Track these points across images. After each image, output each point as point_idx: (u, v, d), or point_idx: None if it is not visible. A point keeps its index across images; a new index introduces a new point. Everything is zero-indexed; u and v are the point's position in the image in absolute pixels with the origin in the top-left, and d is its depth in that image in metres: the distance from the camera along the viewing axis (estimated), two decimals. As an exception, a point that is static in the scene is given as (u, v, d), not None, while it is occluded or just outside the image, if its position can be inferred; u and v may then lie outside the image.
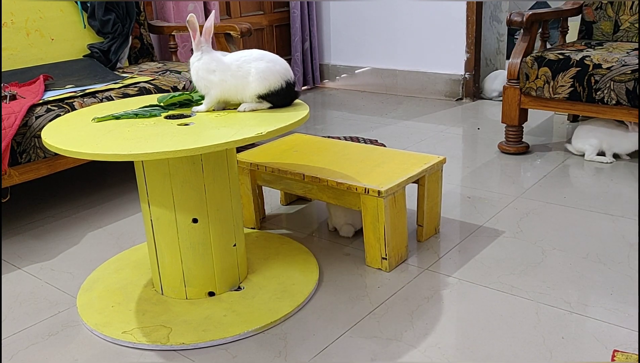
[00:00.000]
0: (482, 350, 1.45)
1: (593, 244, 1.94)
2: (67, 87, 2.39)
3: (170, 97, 1.72)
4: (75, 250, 2.08)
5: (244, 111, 1.65)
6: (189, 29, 1.63)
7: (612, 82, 2.44)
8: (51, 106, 2.18)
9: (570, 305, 1.61)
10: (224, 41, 2.86)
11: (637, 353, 1.40)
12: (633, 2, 2.84)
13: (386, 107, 3.91)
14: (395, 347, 1.48)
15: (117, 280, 1.82)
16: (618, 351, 1.40)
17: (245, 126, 1.51)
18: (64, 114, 2.03)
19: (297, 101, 1.73)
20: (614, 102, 2.47)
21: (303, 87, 4.46)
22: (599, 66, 2.48)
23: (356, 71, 4.43)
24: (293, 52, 4.29)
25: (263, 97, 1.65)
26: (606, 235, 1.99)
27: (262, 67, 1.64)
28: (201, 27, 1.64)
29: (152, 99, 1.86)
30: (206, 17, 3.58)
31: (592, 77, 2.49)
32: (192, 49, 1.68)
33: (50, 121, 2.09)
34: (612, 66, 2.45)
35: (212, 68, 1.63)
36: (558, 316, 1.57)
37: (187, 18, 1.62)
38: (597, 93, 2.50)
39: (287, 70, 1.68)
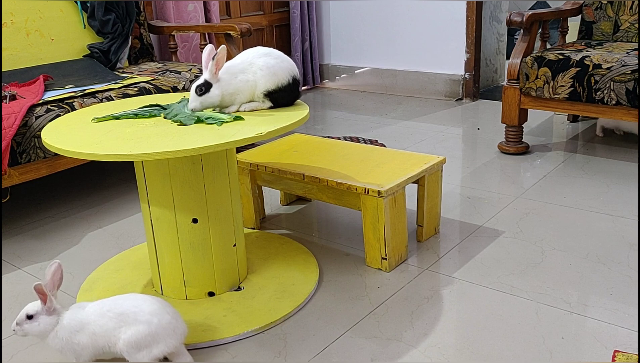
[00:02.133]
0: (481, 350, 1.45)
1: (593, 244, 1.94)
2: (67, 87, 2.39)
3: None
4: (75, 250, 2.08)
5: (244, 111, 1.65)
6: (214, 63, 1.57)
7: (612, 83, 2.44)
8: (51, 106, 2.18)
9: (570, 305, 1.61)
10: (223, 41, 2.86)
11: (638, 353, 1.40)
12: (633, 2, 2.84)
13: (386, 107, 3.91)
14: (395, 347, 1.48)
15: (117, 280, 1.82)
16: (619, 351, 1.40)
17: (245, 126, 1.51)
18: (63, 115, 2.03)
19: (297, 101, 1.73)
20: (613, 102, 2.47)
21: (303, 88, 4.46)
22: (598, 66, 2.48)
23: (356, 71, 4.43)
24: (293, 53, 4.29)
25: (270, 94, 1.64)
26: (606, 235, 1.99)
27: (271, 63, 1.64)
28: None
29: (152, 99, 1.86)
30: (206, 17, 3.58)
31: (592, 78, 2.49)
32: (203, 72, 1.59)
33: (50, 121, 2.09)
34: (612, 66, 2.45)
35: (231, 78, 1.61)
36: (558, 316, 1.57)
37: (218, 52, 1.56)
38: (597, 93, 2.50)
39: (294, 66, 1.69)
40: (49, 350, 1.52)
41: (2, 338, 1.58)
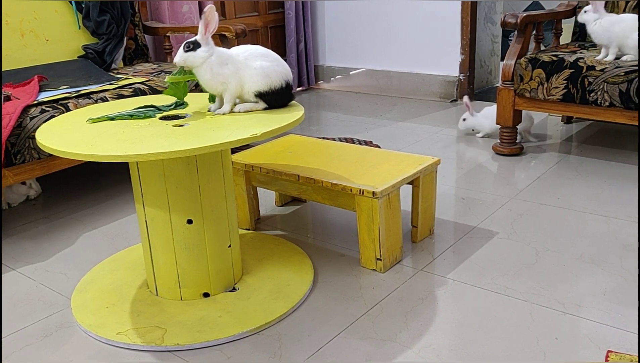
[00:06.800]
0: (476, 351, 1.45)
1: (586, 245, 1.95)
2: (61, 88, 2.39)
3: (177, 74, 1.66)
4: (69, 251, 2.07)
5: (239, 112, 1.65)
6: (204, 20, 1.58)
7: (605, 84, 2.46)
8: (46, 106, 2.17)
9: (564, 306, 1.62)
10: (218, 42, 2.86)
11: (632, 354, 1.41)
12: (627, 4, 2.85)
13: (381, 108, 3.91)
14: (389, 347, 1.48)
15: (112, 281, 1.82)
16: (612, 351, 1.41)
17: (240, 127, 1.51)
18: (58, 115, 2.03)
19: (292, 102, 1.74)
20: (607, 103, 2.48)
21: (298, 88, 4.46)
22: (592, 67, 2.49)
23: (351, 72, 4.44)
24: (288, 54, 4.30)
25: (262, 95, 1.65)
26: (599, 236, 2.00)
27: (266, 65, 1.64)
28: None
29: (147, 100, 1.86)
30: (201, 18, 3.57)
31: (586, 79, 2.50)
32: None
33: (44, 121, 2.09)
34: (606, 67, 2.46)
35: (225, 61, 1.62)
36: (552, 317, 1.57)
37: (206, 9, 1.58)
38: (591, 95, 2.51)
39: (289, 71, 1.69)
40: (43, 351, 1.52)
41: (2, 338, 1.58)
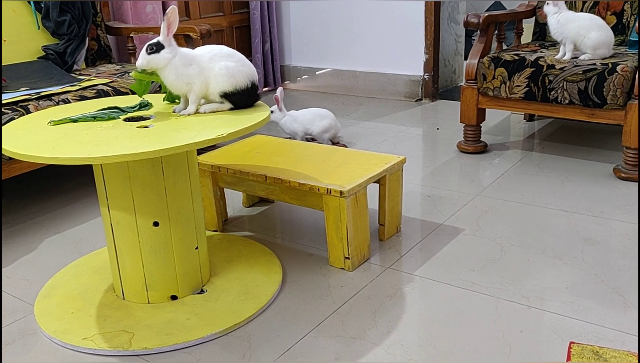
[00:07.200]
0: (443, 346, 1.47)
1: (549, 240, 1.99)
2: (21, 89, 2.33)
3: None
4: (32, 256, 2.03)
5: (205, 113, 1.65)
6: (166, 21, 1.57)
7: (565, 82, 2.51)
8: (5, 109, 2.12)
9: (528, 300, 1.65)
10: (183, 43, 2.83)
11: (592, 344, 1.44)
12: (584, 4, 2.93)
13: (347, 108, 3.93)
14: (358, 345, 1.49)
15: (77, 286, 1.79)
16: (574, 343, 1.44)
17: (206, 127, 1.50)
18: (18, 118, 1.98)
19: (258, 102, 1.73)
20: (567, 101, 2.54)
21: (264, 89, 4.45)
22: (552, 66, 2.55)
23: (317, 73, 4.44)
24: (254, 54, 4.28)
25: (228, 95, 1.64)
26: (561, 231, 2.05)
27: (231, 65, 1.64)
28: (159, 27, 1.61)
29: (111, 101, 1.83)
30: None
31: (546, 78, 2.56)
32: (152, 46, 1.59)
33: (4, 124, 2.04)
34: (565, 66, 2.52)
35: (189, 61, 1.61)
36: (516, 310, 1.60)
37: (168, 10, 1.57)
38: (551, 93, 2.57)
39: (254, 71, 1.69)
40: (5, 359, 1.49)
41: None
